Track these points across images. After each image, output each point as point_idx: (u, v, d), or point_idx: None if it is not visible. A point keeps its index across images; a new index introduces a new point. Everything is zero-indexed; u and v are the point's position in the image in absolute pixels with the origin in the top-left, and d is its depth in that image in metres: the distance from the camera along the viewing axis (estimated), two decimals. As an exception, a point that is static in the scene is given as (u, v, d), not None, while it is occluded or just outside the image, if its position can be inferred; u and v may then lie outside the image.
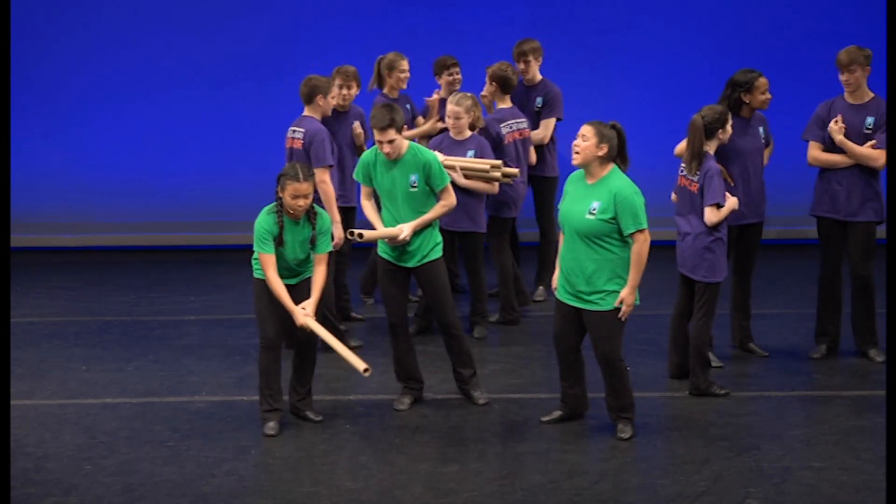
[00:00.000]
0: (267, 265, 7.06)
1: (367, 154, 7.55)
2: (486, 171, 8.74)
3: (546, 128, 9.63)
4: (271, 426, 7.17)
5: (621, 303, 6.91)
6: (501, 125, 9.09)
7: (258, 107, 11.42)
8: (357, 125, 8.94)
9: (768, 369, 8.28)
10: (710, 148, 7.74)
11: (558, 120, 9.73)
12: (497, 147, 9.00)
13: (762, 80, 8.14)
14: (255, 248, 7.09)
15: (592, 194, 6.92)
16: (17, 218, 11.34)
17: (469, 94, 8.88)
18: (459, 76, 9.69)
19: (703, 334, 7.76)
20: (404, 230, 7.35)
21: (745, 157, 8.13)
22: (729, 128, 7.77)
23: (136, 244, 12.00)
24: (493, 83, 9.25)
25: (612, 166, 6.95)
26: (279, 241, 7.07)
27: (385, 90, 9.41)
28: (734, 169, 8.09)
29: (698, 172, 7.67)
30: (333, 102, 8.68)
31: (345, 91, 8.88)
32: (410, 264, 7.49)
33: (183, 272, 11.22)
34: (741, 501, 6.32)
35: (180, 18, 11.76)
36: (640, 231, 6.87)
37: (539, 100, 9.69)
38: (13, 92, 10.17)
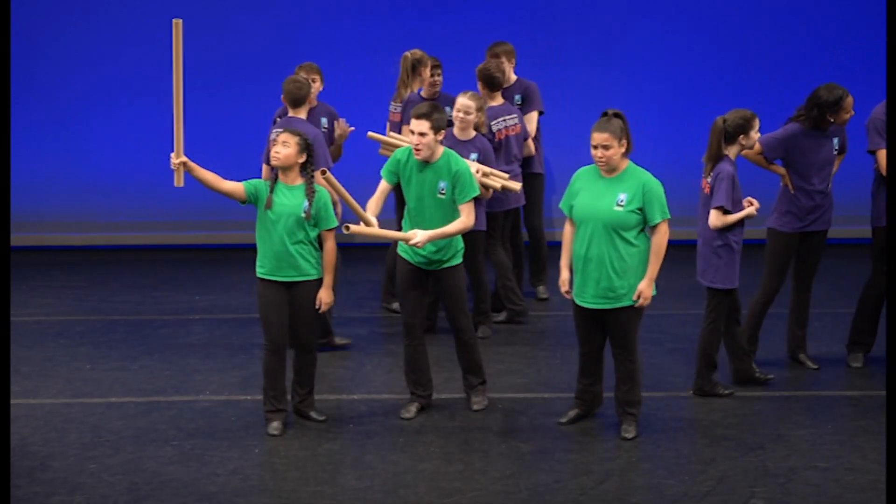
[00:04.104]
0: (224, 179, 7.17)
1: (400, 151, 7.38)
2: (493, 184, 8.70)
3: (530, 122, 9.63)
4: (275, 426, 7.17)
5: (639, 296, 6.92)
6: (492, 122, 9.08)
7: (260, 106, 11.43)
8: (324, 122, 8.95)
9: (773, 369, 8.25)
10: (731, 152, 7.61)
11: (540, 113, 9.76)
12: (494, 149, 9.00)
13: (850, 100, 7.92)
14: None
15: (617, 187, 6.92)
16: (21, 217, 11.36)
17: (479, 95, 8.88)
18: (440, 79, 9.62)
19: (712, 338, 7.72)
20: (418, 235, 7.16)
21: (815, 169, 7.97)
22: (753, 134, 7.61)
23: (141, 243, 12.01)
24: (479, 82, 9.26)
25: (628, 159, 6.97)
26: (268, 203, 7.07)
27: (414, 89, 9.40)
28: (800, 181, 7.98)
29: (711, 174, 7.62)
30: None
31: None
32: (430, 268, 7.44)
33: (188, 271, 11.22)
34: (746, 501, 6.32)
35: (182, 18, 11.73)
36: (665, 221, 6.90)
37: (518, 97, 9.72)
38: (14, 92, 10.18)
